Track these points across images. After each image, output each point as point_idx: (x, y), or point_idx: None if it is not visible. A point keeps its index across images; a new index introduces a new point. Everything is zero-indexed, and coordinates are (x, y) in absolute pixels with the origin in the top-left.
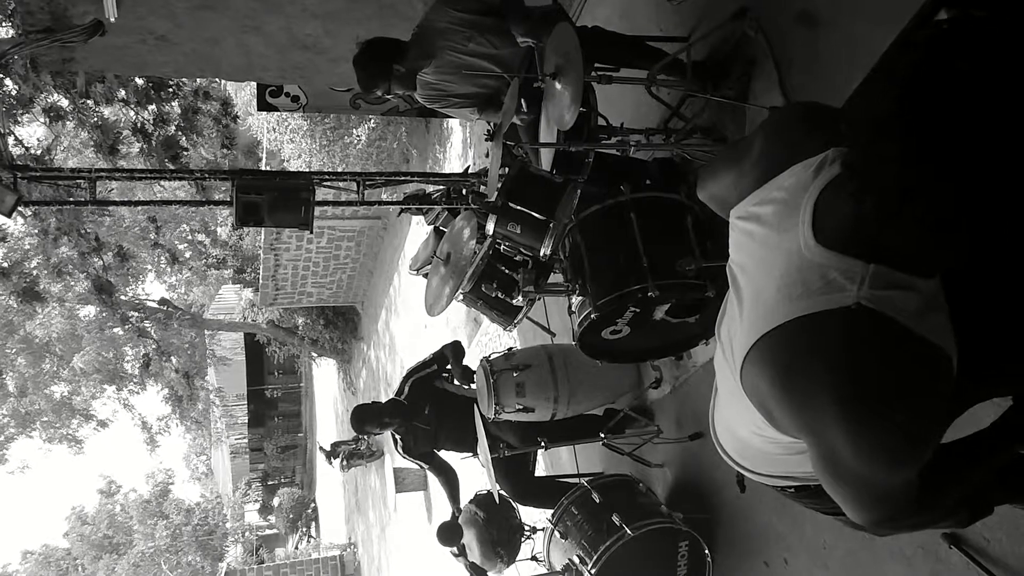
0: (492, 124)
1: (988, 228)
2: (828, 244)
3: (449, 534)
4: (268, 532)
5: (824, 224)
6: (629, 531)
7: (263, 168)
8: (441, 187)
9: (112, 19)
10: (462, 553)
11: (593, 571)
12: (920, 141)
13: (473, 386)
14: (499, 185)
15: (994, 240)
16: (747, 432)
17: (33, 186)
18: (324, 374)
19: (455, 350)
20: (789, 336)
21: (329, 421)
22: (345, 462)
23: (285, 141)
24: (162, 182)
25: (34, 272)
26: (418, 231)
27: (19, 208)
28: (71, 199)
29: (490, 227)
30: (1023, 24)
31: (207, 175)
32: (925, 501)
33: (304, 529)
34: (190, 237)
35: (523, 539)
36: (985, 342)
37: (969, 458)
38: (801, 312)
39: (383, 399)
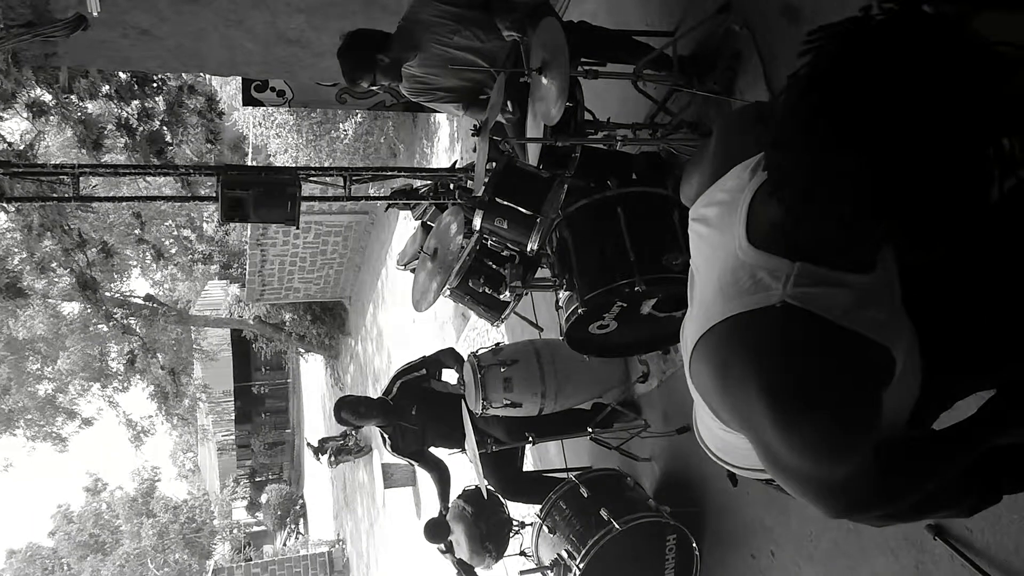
0: (479, 120)
1: (941, 217)
2: (758, 244)
3: (436, 531)
4: (256, 529)
5: (755, 224)
6: (617, 525)
7: (249, 164)
8: (428, 182)
9: (95, 13)
10: (449, 550)
11: (581, 566)
12: (818, 135)
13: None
14: (486, 180)
15: (958, 228)
16: (716, 428)
17: (16, 182)
18: (311, 370)
19: (455, 357)
20: (723, 335)
21: (317, 417)
22: (333, 458)
23: (271, 136)
24: (147, 178)
25: (17, 268)
26: (405, 226)
27: (1, 204)
28: (54, 195)
29: (477, 222)
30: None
31: (192, 171)
32: (892, 491)
33: (292, 526)
34: (176, 233)
35: (511, 534)
36: (960, 334)
37: (944, 450)
38: (733, 311)
39: (371, 394)
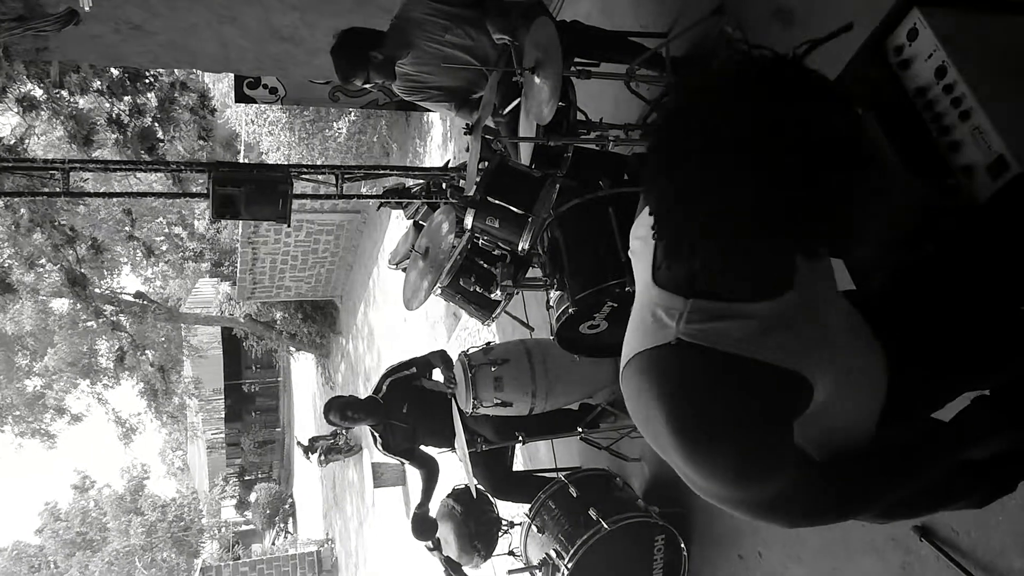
0: (470, 120)
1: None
2: (659, 282)
3: (422, 527)
4: (245, 528)
5: (656, 263)
6: (606, 525)
7: (241, 161)
8: (421, 181)
9: (87, 8)
10: (437, 547)
11: (570, 565)
12: (677, 176)
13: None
14: (478, 179)
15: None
16: None
17: (5, 176)
18: (302, 368)
19: (444, 359)
20: (635, 369)
21: (307, 416)
22: (323, 457)
23: (264, 134)
24: (138, 174)
25: (6, 263)
26: (397, 225)
27: None
28: (44, 190)
29: (468, 221)
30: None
31: (183, 167)
32: (842, 501)
33: (281, 525)
34: (167, 230)
35: (500, 533)
36: (946, 334)
37: (901, 466)
38: (640, 348)
39: (361, 393)
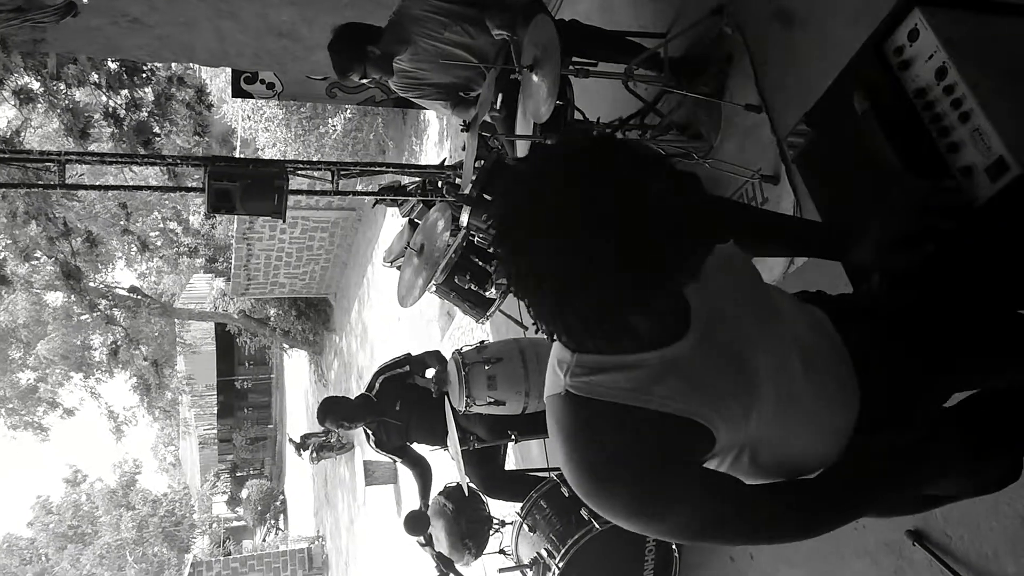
0: (466, 119)
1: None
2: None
3: (415, 523)
4: (236, 524)
5: None
6: (597, 525)
7: (238, 155)
8: (417, 179)
9: (85, 0)
10: (429, 543)
11: (560, 565)
12: (520, 260)
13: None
14: (474, 177)
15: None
16: None
17: (1, 168)
18: (295, 365)
19: (439, 358)
20: (547, 412)
21: (299, 413)
22: (315, 454)
23: (260, 130)
24: (134, 168)
25: (1, 255)
26: (393, 223)
27: None
28: (40, 182)
29: (464, 219)
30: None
31: (179, 161)
32: (775, 522)
33: (272, 521)
34: (162, 225)
35: (491, 532)
36: (934, 337)
37: (850, 495)
38: (547, 393)
39: (354, 391)
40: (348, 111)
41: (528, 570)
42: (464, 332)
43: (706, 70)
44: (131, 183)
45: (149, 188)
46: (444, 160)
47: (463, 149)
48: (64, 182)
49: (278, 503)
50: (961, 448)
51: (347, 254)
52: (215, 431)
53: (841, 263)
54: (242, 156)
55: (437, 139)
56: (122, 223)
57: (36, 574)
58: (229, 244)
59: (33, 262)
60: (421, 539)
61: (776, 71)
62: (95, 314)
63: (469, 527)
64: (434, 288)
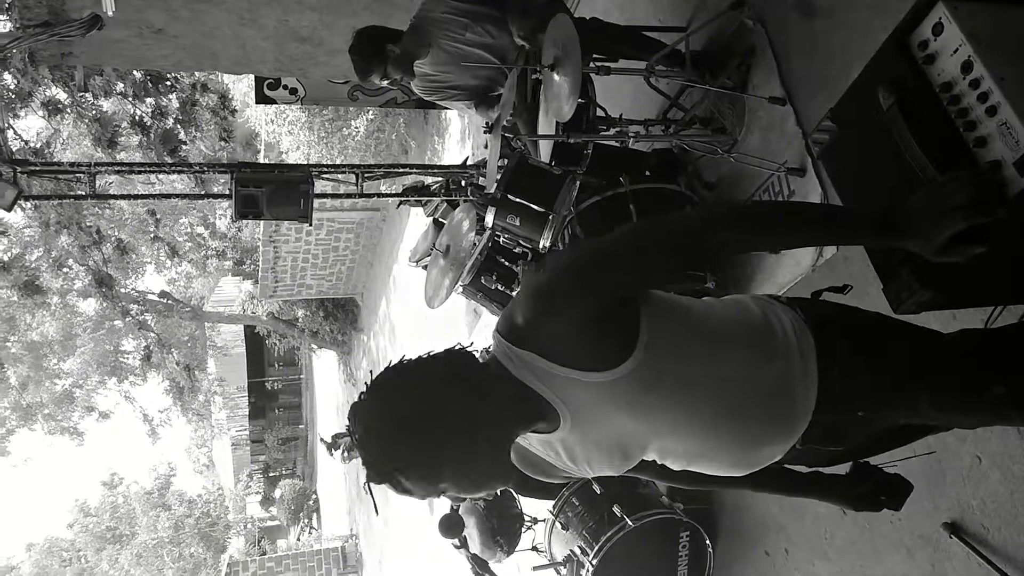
0: (489, 118)
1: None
2: None
3: (450, 526)
4: (270, 524)
5: None
6: (630, 522)
7: (261, 160)
8: (440, 179)
9: (110, 13)
10: (464, 545)
11: (594, 562)
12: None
13: None
14: (498, 177)
15: None
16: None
17: (33, 180)
18: (324, 366)
19: None
20: None
21: (330, 413)
22: (346, 454)
23: (283, 133)
24: (161, 175)
25: (34, 264)
26: (417, 222)
27: (19, 202)
28: (71, 193)
29: (489, 219)
30: None
31: (206, 168)
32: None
33: (306, 520)
34: (189, 229)
35: (523, 529)
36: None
37: None
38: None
39: None
40: (370, 112)
41: (562, 567)
42: (491, 329)
43: (728, 63)
44: (159, 190)
45: (177, 196)
46: (467, 159)
47: (485, 147)
48: (95, 192)
49: (311, 502)
50: None
51: (373, 254)
52: (247, 432)
53: (869, 257)
54: (267, 160)
55: (459, 137)
56: (151, 229)
57: (76, 574)
58: (256, 247)
59: (66, 270)
60: (456, 542)
61: (799, 63)
62: (127, 320)
63: (501, 524)
64: (461, 289)
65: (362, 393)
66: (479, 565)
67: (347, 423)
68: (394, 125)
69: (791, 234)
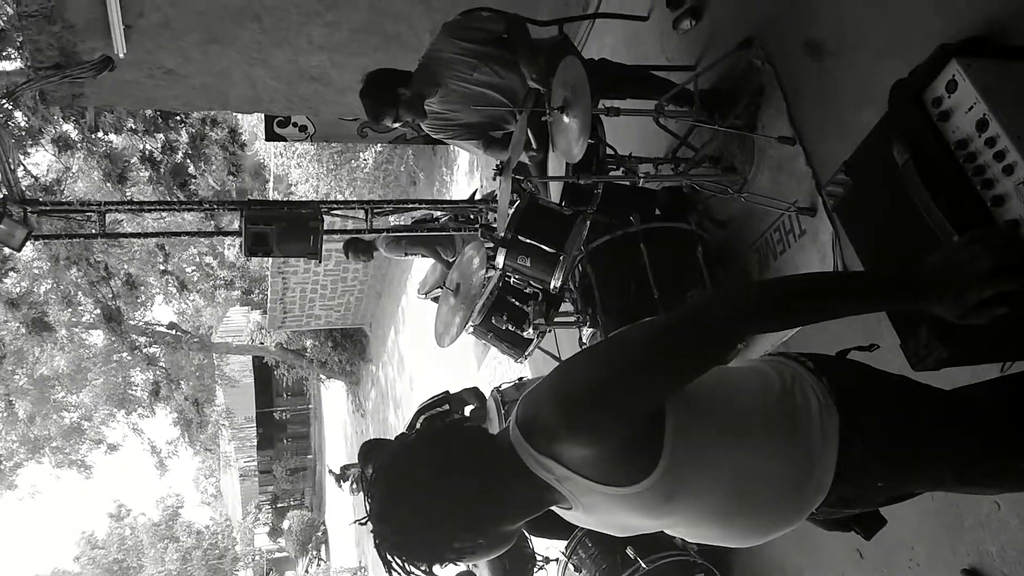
0: (499, 159)
1: None
2: None
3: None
4: (278, 555)
5: None
6: (644, 564)
7: (271, 192)
8: (448, 214)
9: (121, 55)
10: None
11: None
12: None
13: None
14: (508, 218)
15: None
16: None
17: (44, 219)
18: (333, 396)
19: (477, 395)
20: None
21: (338, 443)
22: (355, 485)
23: (292, 166)
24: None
25: (43, 298)
26: None
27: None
28: (81, 232)
29: (500, 260)
30: None
31: (216, 206)
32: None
33: (314, 552)
34: (197, 259)
35: (535, 569)
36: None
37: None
38: None
39: (391, 421)
40: (378, 145)
41: None
42: (500, 363)
43: (737, 103)
44: (169, 223)
45: (188, 234)
46: (475, 192)
47: (494, 179)
48: (104, 231)
49: (319, 533)
50: None
51: (381, 284)
52: (255, 463)
53: (888, 315)
54: (276, 193)
55: (468, 169)
56: (160, 263)
57: None
58: (264, 276)
59: (75, 307)
60: None
61: (808, 103)
62: (136, 353)
63: (512, 565)
64: (471, 329)
65: (376, 473)
66: None
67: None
68: (403, 157)
69: (820, 314)
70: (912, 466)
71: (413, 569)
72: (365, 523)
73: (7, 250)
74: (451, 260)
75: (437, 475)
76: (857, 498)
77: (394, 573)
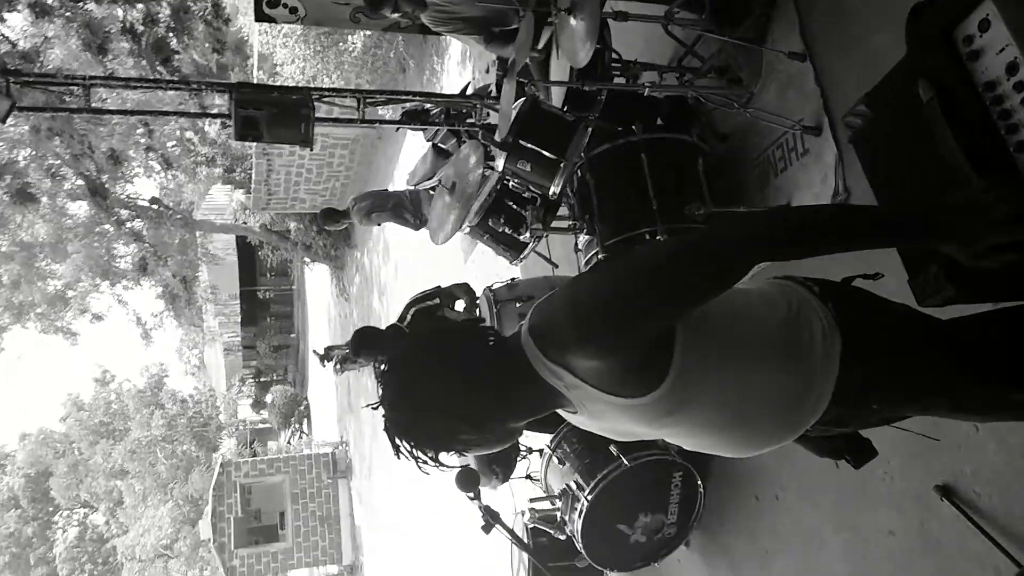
0: (500, 54)
1: None
2: None
3: (466, 480)
4: (261, 427)
5: None
6: (626, 461)
7: (254, 72)
8: (440, 106)
9: None
10: (477, 497)
11: (590, 498)
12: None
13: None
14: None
15: None
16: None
17: (25, 90)
18: (317, 278)
19: (468, 291)
20: None
21: (322, 324)
22: (338, 366)
23: (278, 45)
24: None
25: (22, 164)
26: (414, 142)
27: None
28: (65, 106)
29: (500, 164)
30: None
31: (204, 86)
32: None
33: (297, 425)
34: (179, 135)
35: (519, 458)
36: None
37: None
38: None
39: (376, 307)
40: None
41: (557, 500)
42: (487, 257)
43: (749, 14)
44: (150, 99)
45: (175, 114)
46: (468, 84)
47: (487, 72)
48: (90, 106)
49: (302, 408)
50: None
51: (367, 171)
52: (239, 338)
53: (897, 250)
54: (260, 73)
55: (459, 59)
56: (143, 139)
57: (70, 465)
58: (246, 155)
59: (57, 178)
60: (471, 494)
61: (822, 19)
62: (120, 227)
63: (498, 453)
64: (468, 229)
65: (391, 363)
66: (492, 516)
67: (377, 383)
68: (392, 43)
69: (837, 246)
70: (908, 393)
71: (420, 455)
72: (376, 408)
73: None
74: (415, 222)
75: (450, 371)
76: (852, 419)
77: (401, 456)
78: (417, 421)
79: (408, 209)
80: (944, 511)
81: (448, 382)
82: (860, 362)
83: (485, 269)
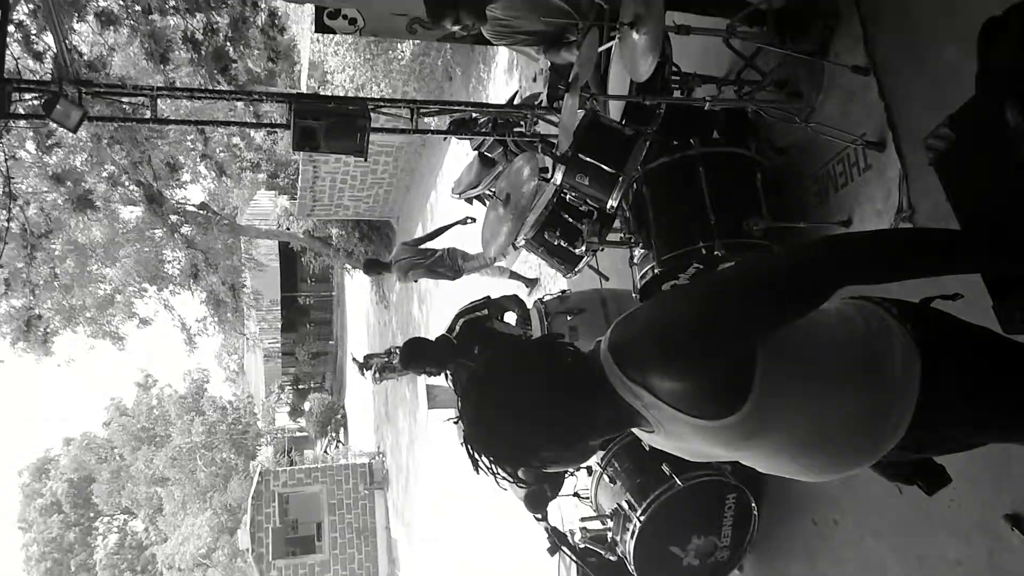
0: (556, 61)
1: None
2: None
3: (535, 501)
4: (298, 435)
5: None
6: (679, 481)
7: (304, 79)
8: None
9: None
10: (545, 518)
11: (642, 519)
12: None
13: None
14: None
15: None
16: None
17: (93, 102)
18: (356, 285)
19: (518, 302)
20: None
21: (360, 332)
22: (377, 375)
23: (329, 53)
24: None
25: (80, 169)
26: (458, 150)
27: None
28: (134, 116)
29: (558, 177)
30: None
31: (264, 97)
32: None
33: (333, 434)
34: (226, 141)
35: (568, 475)
36: None
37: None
38: None
39: (416, 316)
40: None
41: (608, 520)
42: (530, 266)
43: (811, 27)
44: (204, 107)
45: (237, 124)
46: (515, 94)
47: (534, 80)
48: (156, 116)
49: (339, 417)
50: None
51: (410, 178)
52: (279, 344)
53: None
54: (311, 81)
55: (506, 67)
56: (199, 147)
57: (112, 472)
58: (290, 161)
59: (118, 188)
60: (539, 515)
61: (887, 32)
62: (175, 236)
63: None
64: (523, 242)
65: (472, 379)
66: (558, 538)
67: (458, 392)
68: (439, 50)
69: (934, 271)
70: (987, 419)
71: (499, 470)
72: (458, 422)
73: (52, 125)
74: (452, 275)
75: (532, 387)
76: (930, 444)
77: (480, 471)
78: (497, 437)
79: (446, 265)
80: (1014, 541)
81: (532, 399)
82: (939, 385)
83: (528, 274)
